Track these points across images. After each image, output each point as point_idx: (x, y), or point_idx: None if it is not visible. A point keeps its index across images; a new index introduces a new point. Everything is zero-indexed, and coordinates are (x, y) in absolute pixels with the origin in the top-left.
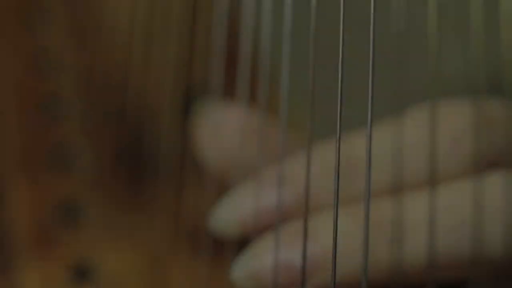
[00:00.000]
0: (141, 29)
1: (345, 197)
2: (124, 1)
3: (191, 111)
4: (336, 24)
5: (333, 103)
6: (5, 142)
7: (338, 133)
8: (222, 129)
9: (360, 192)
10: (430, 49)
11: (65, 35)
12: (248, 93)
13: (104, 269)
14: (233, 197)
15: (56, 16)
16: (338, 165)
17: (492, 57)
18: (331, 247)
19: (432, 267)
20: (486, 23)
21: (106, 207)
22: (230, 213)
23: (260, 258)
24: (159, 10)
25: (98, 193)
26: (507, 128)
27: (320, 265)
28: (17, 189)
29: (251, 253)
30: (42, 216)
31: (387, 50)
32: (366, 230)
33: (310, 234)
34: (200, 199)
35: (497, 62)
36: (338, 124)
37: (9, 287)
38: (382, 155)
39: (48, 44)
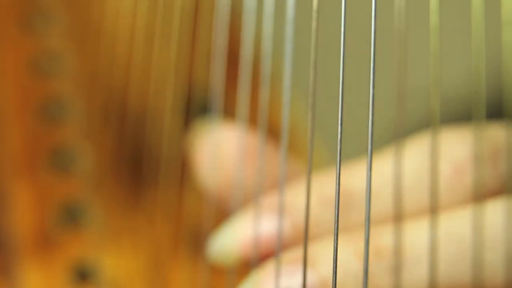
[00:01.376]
0: (142, 31)
1: (343, 227)
2: (125, 4)
3: (191, 114)
4: (337, 27)
5: (335, 101)
6: (7, 143)
7: (339, 137)
8: (221, 150)
9: (358, 223)
10: (431, 53)
11: (66, 37)
12: (249, 95)
13: (105, 271)
14: (232, 225)
15: (57, 18)
16: (339, 183)
17: (493, 61)
18: (330, 275)
19: None
20: (486, 25)
21: (107, 209)
22: (229, 241)
23: (261, 286)
24: (160, 13)
25: (99, 195)
26: (509, 156)
27: None
28: (19, 191)
29: (252, 281)
30: (44, 218)
31: (389, 52)
32: (366, 244)
33: (310, 263)
34: (200, 202)
35: (498, 65)
36: (339, 128)
37: None
38: (382, 184)
39: (49, 46)
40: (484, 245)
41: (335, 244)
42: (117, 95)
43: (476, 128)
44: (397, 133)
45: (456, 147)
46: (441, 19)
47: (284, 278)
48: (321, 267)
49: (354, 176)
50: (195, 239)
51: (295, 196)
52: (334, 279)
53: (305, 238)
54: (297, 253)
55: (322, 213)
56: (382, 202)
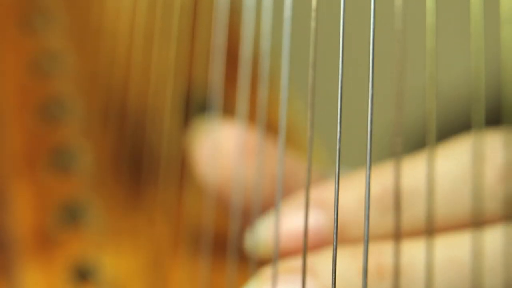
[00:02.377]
0: (141, 31)
1: (380, 230)
2: (124, 3)
3: (191, 113)
4: (336, 26)
5: (334, 100)
6: (7, 143)
7: (338, 137)
8: (220, 147)
9: (410, 223)
10: (429, 53)
11: (66, 37)
12: (248, 94)
13: (105, 270)
14: (272, 218)
15: (57, 18)
16: (338, 175)
17: (492, 60)
18: (330, 285)
19: None
20: (485, 24)
21: (107, 209)
22: (268, 233)
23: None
24: (159, 12)
25: (99, 195)
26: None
27: None
28: (19, 191)
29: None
30: (44, 218)
31: (388, 52)
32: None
33: (310, 272)
34: (200, 201)
35: (497, 64)
36: (338, 129)
37: None
38: (414, 190)
39: (49, 46)
40: (484, 270)
41: (334, 252)
42: (117, 95)
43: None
44: (396, 133)
45: (500, 151)
46: (440, 19)
47: (283, 286)
48: (321, 277)
49: (409, 174)
50: (195, 239)
51: (332, 192)
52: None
53: (304, 240)
54: (296, 262)
55: (359, 213)
56: (413, 208)
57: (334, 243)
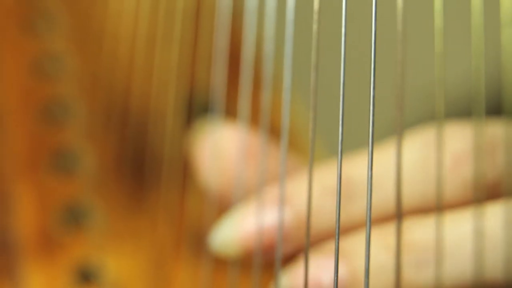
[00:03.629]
0: (144, 33)
1: (344, 218)
2: (127, 6)
3: (193, 115)
4: (338, 28)
5: (336, 102)
6: (9, 145)
7: (340, 136)
8: (222, 150)
9: (359, 213)
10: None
11: (68, 39)
12: (250, 97)
13: (108, 272)
14: (234, 217)
15: (59, 20)
16: (340, 178)
17: (493, 62)
18: (362, 268)
19: None
20: (486, 26)
21: (109, 211)
22: (231, 233)
23: (290, 275)
24: (162, 15)
25: (102, 197)
26: (508, 150)
27: (352, 286)
28: (21, 193)
29: (292, 271)
30: (46, 220)
31: (389, 53)
32: (368, 234)
33: (342, 255)
34: (202, 203)
35: (497, 66)
36: (340, 127)
37: None
38: (383, 175)
39: (51, 48)
40: (485, 247)
41: (336, 238)
42: (119, 97)
43: (475, 122)
44: (398, 134)
45: (456, 140)
46: (441, 21)
47: (314, 269)
48: (352, 260)
49: (355, 166)
50: (197, 241)
51: (296, 187)
52: (366, 271)
53: (307, 230)
54: (328, 246)
55: (323, 203)
56: (383, 193)
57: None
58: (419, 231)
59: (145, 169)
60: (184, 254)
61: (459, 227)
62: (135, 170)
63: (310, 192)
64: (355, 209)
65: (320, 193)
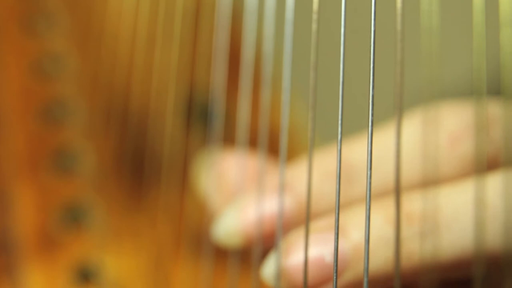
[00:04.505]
0: (143, 33)
1: (344, 201)
2: (127, 6)
3: (193, 115)
4: (337, 28)
5: (335, 102)
6: (10, 145)
7: (339, 135)
8: (224, 178)
9: (359, 195)
10: (431, 51)
11: (68, 39)
12: (250, 96)
13: (107, 271)
14: (235, 208)
15: (60, 20)
16: (340, 167)
17: (493, 60)
18: (362, 242)
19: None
20: (487, 26)
21: (109, 210)
22: (233, 223)
23: (289, 255)
24: (161, 15)
25: (102, 196)
26: (506, 127)
27: (352, 261)
28: (22, 192)
29: (281, 251)
30: (46, 219)
31: (389, 53)
32: (367, 230)
33: (341, 230)
34: (202, 203)
35: (497, 65)
36: (340, 125)
37: None
38: (382, 156)
39: (51, 48)
40: (485, 216)
41: (336, 216)
42: (119, 97)
43: (472, 101)
44: (397, 133)
45: (452, 119)
46: (441, 20)
47: (314, 246)
48: (352, 234)
49: (354, 150)
50: (197, 240)
51: (296, 174)
52: (367, 247)
53: (307, 217)
54: (327, 221)
55: (323, 188)
56: (383, 174)
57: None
58: (420, 203)
59: (145, 168)
60: (183, 253)
61: (459, 197)
62: (134, 170)
63: (310, 192)
64: (355, 191)
65: (319, 178)
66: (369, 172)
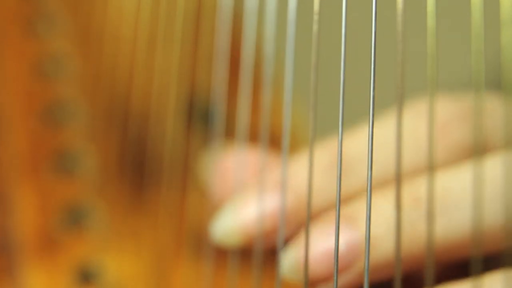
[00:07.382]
0: (144, 34)
1: (345, 194)
2: (128, 7)
3: (194, 116)
4: (338, 29)
5: (336, 103)
6: (11, 146)
7: (340, 133)
8: (226, 175)
9: (358, 188)
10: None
11: (69, 40)
12: (251, 98)
13: (108, 273)
14: (234, 205)
15: (60, 21)
16: (340, 162)
17: (492, 60)
18: (374, 232)
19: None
20: (486, 25)
21: (110, 212)
22: (231, 222)
23: (295, 249)
24: (162, 16)
25: (103, 198)
26: (496, 117)
27: (362, 252)
28: (23, 193)
29: (298, 245)
30: (47, 220)
31: (390, 54)
32: (368, 223)
33: (350, 220)
34: (203, 204)
35: (497, 65)
36: (340, 123)
37: None
38: (379, 148)
39: (52, 50)
40: (484, 196)
41: (337, 214)
42: (120, 98)
43: (465, 92)
44: (398, 134)
45: (442, 108)
46: (440, 20)
47: (324, 239)
48: (361, 224)
49: (353, 142)
50: (198, 241)
51: (295, 170)
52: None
53: (307, 212)
54: (331, 214)
55: (322, 182)
56: (381, 165)
57: (368, 198)
58: (424, 186)
59: (146, 170)
60: (185, 254)
61: (458, 178)
62: (136, 171)
63: (310, 192)
64: (355, 183)
65: (319, 172)
66: (369, 172)
